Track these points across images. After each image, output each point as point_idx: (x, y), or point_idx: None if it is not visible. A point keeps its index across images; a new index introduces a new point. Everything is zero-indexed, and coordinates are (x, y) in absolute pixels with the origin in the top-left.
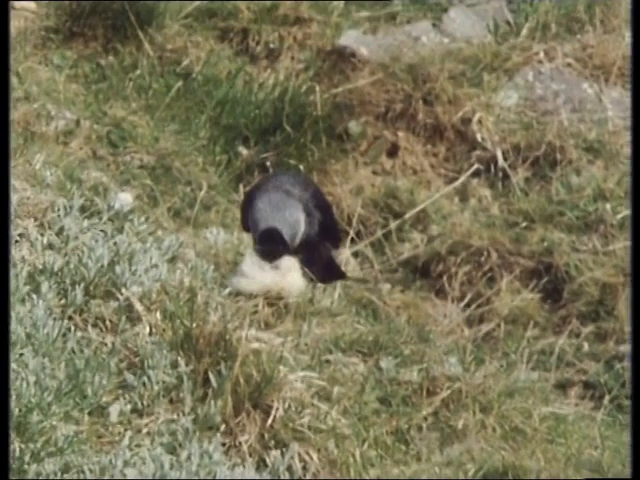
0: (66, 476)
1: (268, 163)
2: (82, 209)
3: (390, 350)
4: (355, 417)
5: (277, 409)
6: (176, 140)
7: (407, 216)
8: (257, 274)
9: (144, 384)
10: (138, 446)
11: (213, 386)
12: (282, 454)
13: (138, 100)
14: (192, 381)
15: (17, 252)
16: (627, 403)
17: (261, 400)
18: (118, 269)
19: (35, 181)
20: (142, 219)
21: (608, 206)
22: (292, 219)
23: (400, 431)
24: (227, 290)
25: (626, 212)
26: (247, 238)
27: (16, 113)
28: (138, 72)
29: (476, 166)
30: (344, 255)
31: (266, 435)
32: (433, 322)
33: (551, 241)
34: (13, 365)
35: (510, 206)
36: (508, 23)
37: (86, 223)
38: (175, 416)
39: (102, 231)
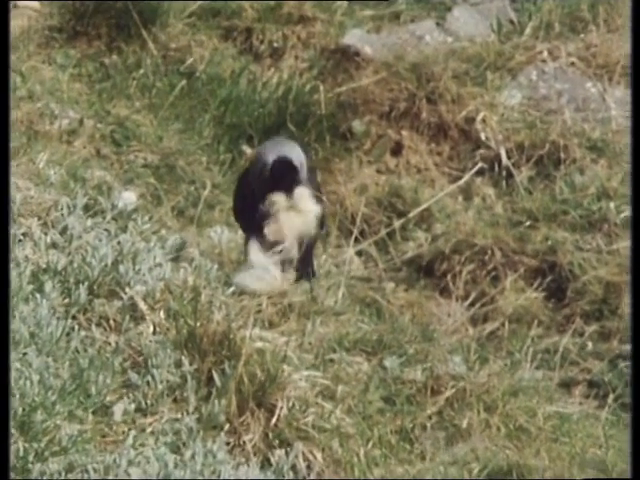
0: (70, 475)
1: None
2: (86, 208)
3: (394, 349)
4: (359, 416)
5: (281, 408)
6: (180, 139)
7: (411, 215)
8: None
9: (148, 383)
10: (142, 445)
11: (217, 385)
12: (286, 453)
13: (142, 99)
14: (196, 380)
15: (20, 251)
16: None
17: (265, 399)
18: (122, 268)
19: (39, 180)
20: (146, 218)
21: (612, 205)
22: (296, 151)
23: (404, 430)
24: (231, 289)
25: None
26: None
27: (19, 112)
28: (142, 71)
29: (480, 165)
30: (348, 254)
31: (270, 434)
32: (437, 321)
33: (555, 240)
34: (17, 364)
35: (514, 205)
36: (512, 22)
37: (90, 222)
38: (179, 415)
39: (106, 230)
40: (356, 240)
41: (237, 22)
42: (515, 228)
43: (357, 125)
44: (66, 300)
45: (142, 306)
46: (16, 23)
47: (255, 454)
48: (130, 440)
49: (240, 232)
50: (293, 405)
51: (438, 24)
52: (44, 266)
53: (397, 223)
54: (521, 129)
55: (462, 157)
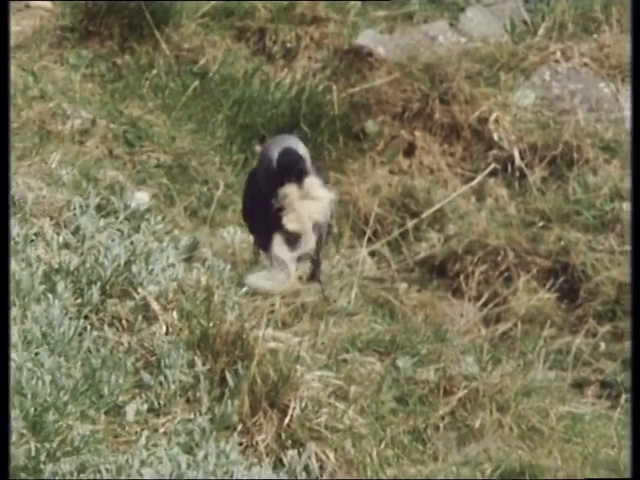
0: (82, 476)
1: None
2: (98, 208)
3: (407, 349)
4: (372, 416)
5: (294, 408)
6: (193, 139)
7: (424, 215)
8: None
9: (161, 383)
10: (155, 446)
11: (230, 385)
12: (299, 454)
13: (155, 99)
14: (209, 380)
15: (33, 251)
16: None
17: (278, 399)
18: (134, 268)
19: (51, 180)
20: (159, 218)
21: (625, 205)
22: (301, 145)
23: (417, 430)
24: (244, 289)
25: None
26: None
27: (32, 112)
28: (154, 71)
29: (493, 165)
30: (361, 254)
31: (283, 434)
32: (450, 321)
33: (568, 240)
34: (29, 364)
35: (527, 205)
36: (525, 23)
37: (102, 222)
38: (192, 415)
39: (118, 230)
40: (369, 240)
41: (250, 22)
42: (528, 229)
43: (370, 126)
44: (78, 300)
45: (155, 306)
46: (28, 23)
47: (268, 454)
48: (143, 440)
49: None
50: (306, 405)
51: (451, 25)
52: (56, 266)
53: (410, 224)
54: (534, 129)
55: (475, 158)
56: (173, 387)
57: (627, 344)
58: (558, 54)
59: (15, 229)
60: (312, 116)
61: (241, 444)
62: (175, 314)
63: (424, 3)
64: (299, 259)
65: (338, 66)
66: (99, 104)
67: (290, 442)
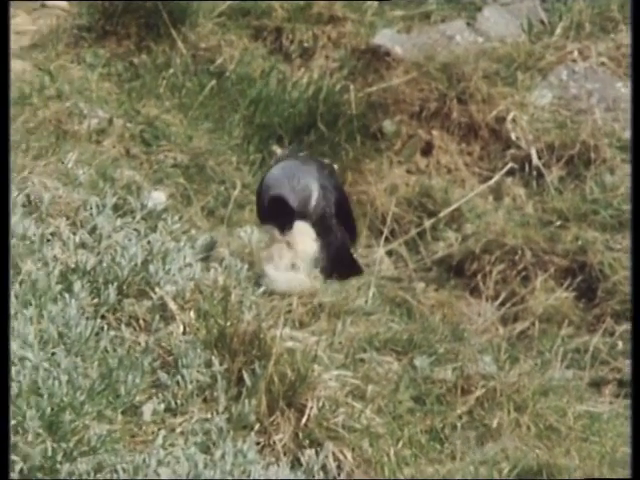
0: (99, 475)
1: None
2: (115, 208)
3: (424, 349)
4: (389, 416)
5: (311, 408)
6: (210, 139)
7: (441, 215)
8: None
9: (178, 383)
10: (172, 445)
11: (247, 385)
12: (316, 453)
13: (171, 99)
14: (226, 380)
15: (49, 251)
16: None
17: (295, 399)
18: (152, 268)
19: (67, 180)
20: (176, 218)
21: None
22: (302, 184)
23: (434, 430)
24: (261, 289)
25: None
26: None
27: (48, 111)
28: (171, 71)
29: (510, 165)
30: (378, 254)
31: (300, 434)
32: (467, 321)
33: (585, 240)
34: (45, 364)
35: (544, 205)
36: (542, 22)
37: (119, 222)
38: (209, 415)
39: (135, 230)
40: (386, 240)
41: (267, 22)
42: (545, 228)
43: (388, 125)
44: (95, 300)
45: (172, 306)
46: (45, 22)
47: (285, 454)
48: (160, 440)
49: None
50: (323, 405)
51: (468, 24)
52: (73, 266)
53: (427, 223)
54: (551, 129)
55: (492, 157)
56: (190, 387)
57: None
58: (575, 54)
59: (31, 229)
60: (329, 115)
61: (258, 443)
62: (192, 314)
63: (441, 3)
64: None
65: (355, 65)
66: (116, 103)
67: (307, 442)
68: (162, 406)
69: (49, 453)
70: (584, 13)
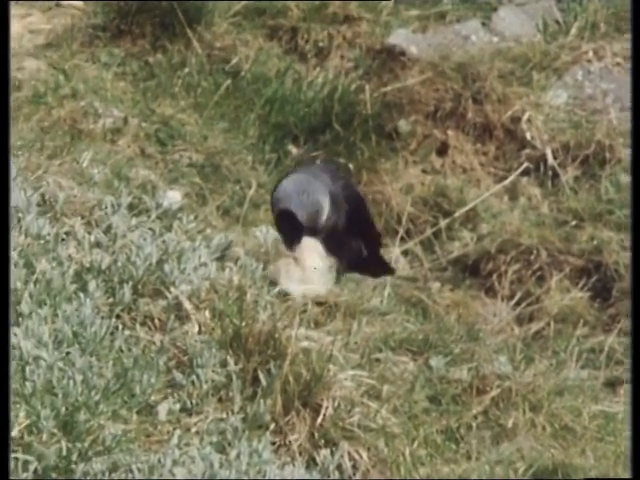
0: (114, 475)
1: (318, 162)
2: (130, 207)
3: (440, 349)
4: (405, 416)
5: (327, 408)
6: (225, 138)
7: (457, 215)
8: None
9: (193, 383)
10: (187, 445)
11: (262, 385)
12: (332, 453)
13: (187, 98)
14: (241, 380)
15: (64, 250)
16: None
17: (311, 399)
18: (167, 267)
19: (82, 179)
20: (191, 217)
21: None
22: (312, 199)
23: (450, 430)
24: (276, 289)
25: None
26: None
27: (63, 111)
28: (187, 70)
29: (525, 165)
30: (394, 253)
31: (316, 434)
32: (483, 321)
33: (600, 240)
34: (60, 364)
35: (559, 205)
36: (557, 22)
37: (134, 221)
38: (224, 415)
39: (150, 229)
40: (402, 240)
41: (282, 21)
42: (561, 228)
43: (403, 125)
44: (110, 299)
45: (187, 305)
46: (59, 21)
47: (301, 454)
48: (175, 440)
49: None
50: (339, 405)
51: (484, 24)
52: (88, 265)
53: (443, 223)
54: (567, 129)
55: (508, 157)
56: (205, 386)
57: None
58: (590, 54)
59: (46, 228)
60: (344, 115)
61: (274, 443)
62: (207, 313)
63: (457, 3)
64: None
65: (370, 65)
66: (131, 103)
67: (323, 441)
68: (177, 406)
69: (64, 453)
70: (599, 13)
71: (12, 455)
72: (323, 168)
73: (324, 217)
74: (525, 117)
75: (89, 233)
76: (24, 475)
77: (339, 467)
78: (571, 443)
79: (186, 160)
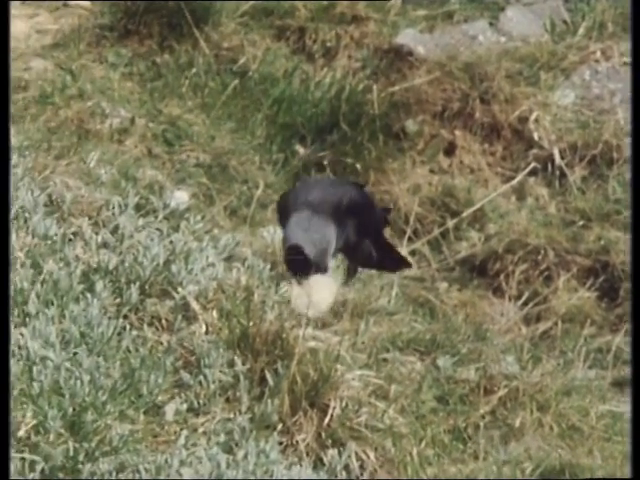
0: (121, 475)
1: (325, 162)
2: (137, 207)
3: (447, 349)
4: (412, 416)
5: (334, 408)
6: (232, 139)
7: (464, 215)
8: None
9: (200, 383)
10: (194, 445)
11: (270, 385)
12: (339, 453)
13: (194, 98)
14: (249, 380)
15: (71, 251)
16: None
17: (318, 399)
18: (174, 268)
19: (89, 179)
20: (198, 218)
21: None
22: (317, 236)
23: (457, 430)
24: (284, 289)
25: None
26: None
27: (70, 111)
28: (194, 70)
29: (533, 165)
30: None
31: (323, 434)
32: (490, 321)
33: (608, 240)
34: (67, 364)
35: (567, 205)
36: (565, 22)
37: (141, 221)
38: (232, 415)
39: (158, 229)
40: (409, 240)
41: (290, 22)
42: (568, 228)
43: (410, 125)
44: (117, 300)
45: (194, 306)
46: (66, 21)
47: (308, 454)
48: (182, 440)
49: None
50: (346, 405)
51: (491, 24)
52: (95, 266)
53: (450, 223)
54: (574, 129)
55: (515, 157)
56: (213, 386)
57: None
58: (598, 54)
59: (53, 228)
60: (352, 115)
61: (281, 443)
62: (215, 313)
63: (464, 2)
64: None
65: (378, 65)
66: (138, 103)
67: (330, 441)
68: (184, 406)
69: (71, 453)
70: (607, 13)
71: (19, 455)
72: (322, 189)
73: (331, 251)
74: (532, 117)
75: (96, 233)
76: (31, 475)
77: (346, 467)
78: (578, 443)
79: (193, 160)
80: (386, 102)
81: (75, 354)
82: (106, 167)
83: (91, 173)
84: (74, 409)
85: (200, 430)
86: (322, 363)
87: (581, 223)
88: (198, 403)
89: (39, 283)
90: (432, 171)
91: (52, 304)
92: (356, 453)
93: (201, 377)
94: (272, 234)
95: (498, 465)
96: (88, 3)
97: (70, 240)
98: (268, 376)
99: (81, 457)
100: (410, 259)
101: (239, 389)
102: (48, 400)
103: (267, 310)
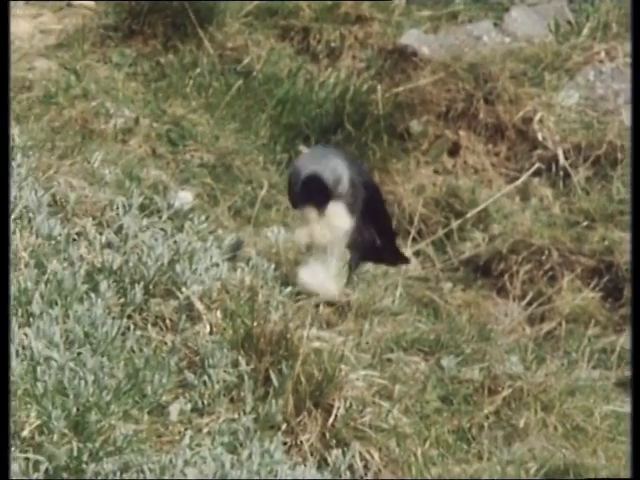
0: (125, 475)
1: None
2: (141, 207)
3: (451, 349)
4: (416, 416)
5: (338, 408)
6: (236, 139)
7: (468, 215)
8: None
9: (204, 383)
10: (199, 445)
11: (274, 385)
12: (343, 453)
13: (198, 98)
14: (253, 380)
15: (75, 251)
16: None
17: (322, 399)
18: (178, 268)
19: (93, 179)
20: (202, 218)
21: None
22: (333, 164)
23: (462, 430)
24: (288, 289)
25: None
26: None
27: (74, 111)
28: (198, 70)
29: (537, 165)
30: (406, 254)
31: (327, 434)
32: (494, 321)
33: (612, 240)
34: (71, 364)
35: (571, 205)
36: (569, 23)
37: (145, 222)
38: (236, 415)
39: (162, 230)
40: (414, 240)
41: (294, 22)
42: (572, 228)
43: (414, 125)
44: (121, 300)
45: (199, 306)
46: (70, 21)
47: (312, 454)
48: (186, 440)
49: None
50: (350, 405)
51: (496, 24)
52: (99, 266)
53: (454, 223)
54: (578, 129)
55: (519, 157)
56: (217, 387)
57: None
58: (602, 54)
59: (57, 228)
60: (356, 116)
61: (285, 444)
62: (219, 314)
63: (468, 3)
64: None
65: (382, 66)
66: (142, 103)
67: (334, 441)
68: (189, 406)
69: (75, 453)
70: (611, 13)
71: (23, 455)
72: (337, 152)
73: (345, 183)
74: (537, 117)
75: (100, 233)
76: (35, 475)
77: (350, 467)
78: (583, 443)
79: (197, 160)
80: (390, 102)
81: (79, 354)
82: (110, 167)
83: (95, 173)
84: (78, 409)
85: (204, 430)
86: (326, 363)
87: (585, 223)
88: (202, 403)
89: (43, 283)
90: (436, 171)
91: (56, 304)
92: (360, 453)
93: (205, 377)
94: (276, 234)
95: (502, 465)
96: (92, 3)
97: (74, 240)
98: (272, 376)
99: (85, 457)
100: (414, 260)
101: (243, 389)
102: (52, 400)
103: (271, 310)
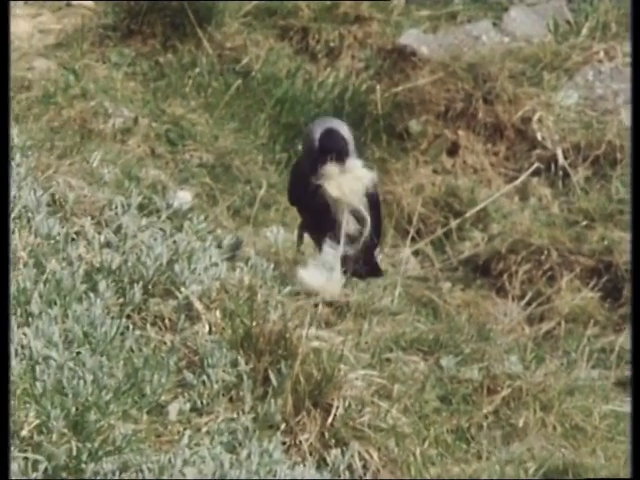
0: (124, 475)
1: None
2: (140, 207)
3: (450, 348)
4: (415, 415)
5: (337, 408)
6: (235, 138)
7: (467, 215)
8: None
9: (203, 383)
10: (197, 445)
11: (273, 385)
12: (342, 453)
13: (197, 98)
14: (252, 380)
15: (74, 250)
16: None
17: (321, 399)
18: (177, 267)
19: (92, 179)
20: (201, 217)
21: None
22: (344, 125)
23: (461, 429)
24: (287, 289)
25: None
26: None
27: (73, 111)
28: (197, 70)
29: (536, 165)
30: (405, 254)
31: (326, 434)
32: (494, 320)
33: (611, 240)
34: (70, 364)
35: (570, 205)
36: (568, 22)
37: (144, 221)
38: (235, 415)
39: (161, 229)
40: (413, 240)
41: (293, 22)
42: (571, 228)
43: (414, 125)
44: (120, 299)
45: (198, 305)
46: (70, 21)
47: (311, 454)
48: (185, 440)
49: (296, 232)
50: (349, 404)
51: (495, 24)
52: (98, 265)
53: (453, 223)
54: (577, 129)
55: (518, 157)
56: (216, 386)
57: None
58: (601, 54)
59: (56, 228)
60: (355, 115)
61: (284, 443)
62: (218, 313)
63: (468, 3)
64: (345, 264)
65: (381, 65)
66: (141, 103)
67: (333, 441)
68: (188, 406)
69: (74, 453)
70: (610, 13)
71: (22, 455)
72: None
73: (353, 144)
74: (536, 117)
75: (99, 233)
76: (34, 475)
77: (350, 467)
78: (582, 443)
79: (196, 160)
80: (389, 102)
81: (78, 354)
82: (109, 167)
83: (94, 173)
84: (77, 409)
85: (203, 430)
86: (325, 363)
87: (584, 223)
88: (201, 403)
89: (42, 283)
90: (435, 171)
91: (55, 304)
92: (359, 453)
93: (204, 377)
94: (275, 234)
95: (501, 465)
96: (91, 3)
97: (73, 240)
98: (271, 376)
99: (84, 457)
100: (413, 259)
101: (242, 389)
102: (51, 400)
103: (270, 310)
